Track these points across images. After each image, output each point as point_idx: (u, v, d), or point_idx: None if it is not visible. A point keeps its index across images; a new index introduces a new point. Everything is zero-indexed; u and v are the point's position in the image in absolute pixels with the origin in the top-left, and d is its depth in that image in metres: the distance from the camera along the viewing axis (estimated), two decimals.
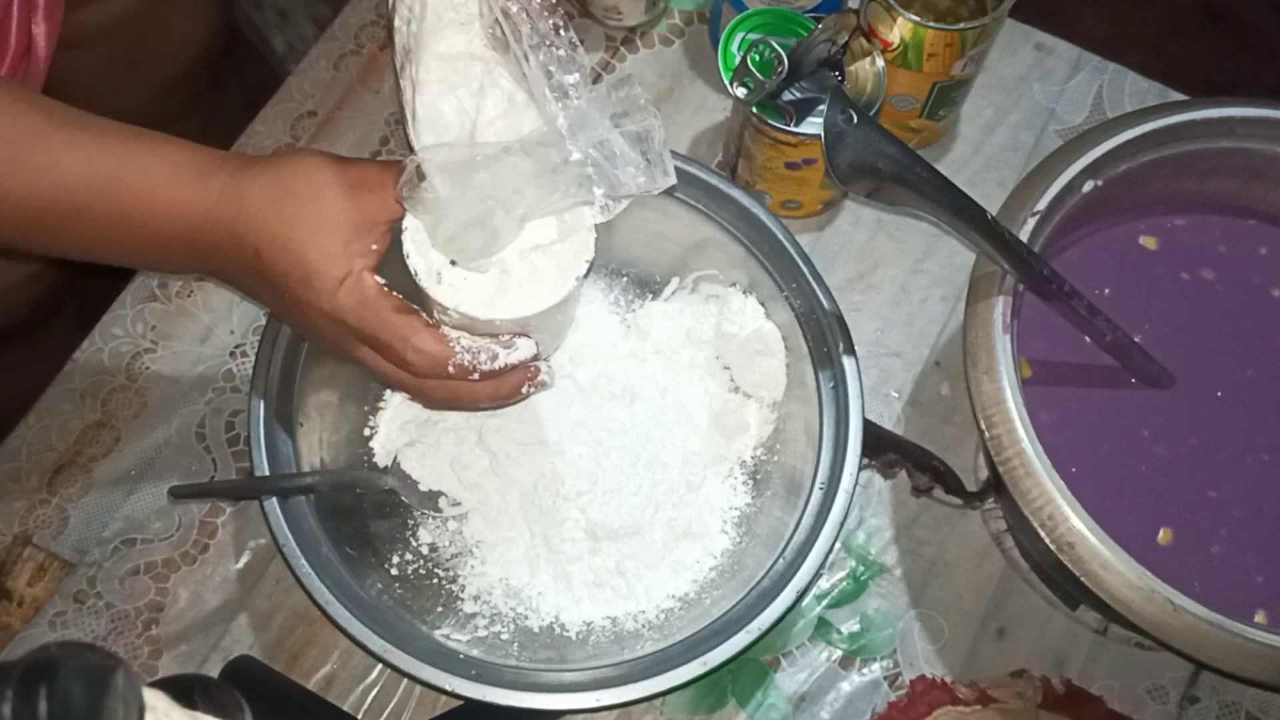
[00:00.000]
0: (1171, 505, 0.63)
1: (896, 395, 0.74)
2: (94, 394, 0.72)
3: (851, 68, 0.68)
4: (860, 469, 0.62)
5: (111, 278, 0.74)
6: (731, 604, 0.61)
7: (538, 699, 0.58)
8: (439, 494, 0.67)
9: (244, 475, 0.70)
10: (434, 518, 0.67)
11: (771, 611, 0.59)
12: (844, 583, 0.69)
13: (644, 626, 0.65)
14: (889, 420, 0.73)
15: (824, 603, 0.69)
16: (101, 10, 0.81)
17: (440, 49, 0.53)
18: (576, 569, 0.65)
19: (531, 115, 0.54)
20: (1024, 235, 0.61)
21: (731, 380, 0.70)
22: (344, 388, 0.68)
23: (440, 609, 0.65)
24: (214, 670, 0.66)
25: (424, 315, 0.54)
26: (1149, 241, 0.69)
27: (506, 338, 0.55)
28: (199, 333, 0.74)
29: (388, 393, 0.70)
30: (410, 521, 0.68)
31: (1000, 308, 0.60)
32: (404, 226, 0.54)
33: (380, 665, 0.66)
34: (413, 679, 0.61)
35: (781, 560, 0.61)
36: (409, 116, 0.54)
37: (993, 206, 0.60)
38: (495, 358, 0.55)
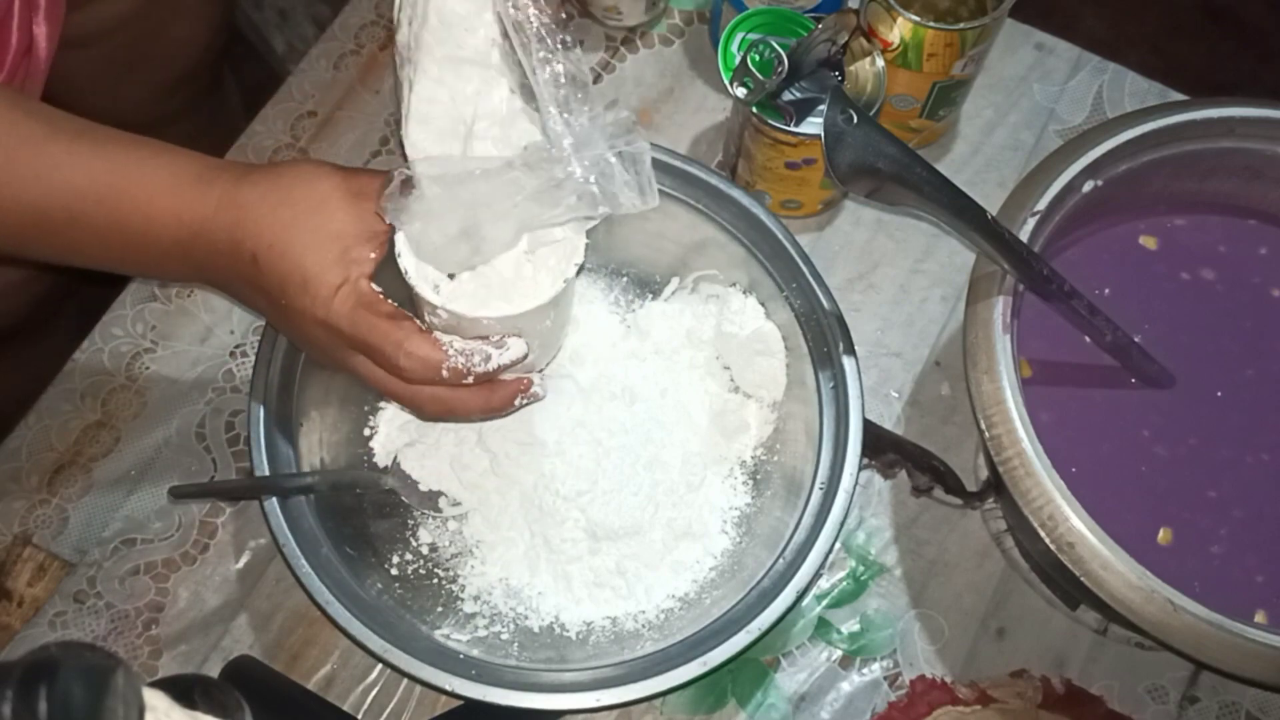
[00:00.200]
0: (1171, 505, 0.63)
1: (896, 395, 0.74)
2: (94, 394, 0.72)
3: (851, 68, 0.68)
4: (860, 469, 0.62)
5: (111, 279, 0.73)
6: (731, 604, 0.61)
7: (538, 699, 0.58)
8: (439, 494, 0.67)
9: (244, 475, 0.70)
10: (434, 518, 0.67)
11: (771, 611, 0.59)
12: (844, 583, 0.69)
13: (644, 626, 0.65)
14: (889, 420, 0.73)
15: (824, 603, 0.69)
16: (102, 10, 0.81)
17: (440, 52, 0.53)
18: (576, 569, 0.65)
19: (523, 124, 0.54)
20: (1024, 235, 0.61)
21: (731, 380, 0.70)
22: (344, 388, 0.68)
23: (440, 609, 0.65)
24: (214, 670, 0.66)
25: (417, 321, 0.54)
26: (1149, 241, 0.69)
27: (497, 339, 0.55)
28: (199, 333, 0.74)
29: None
30: (410, 521, 0.68)
31: (1000, 308, 0.60)
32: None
33: (380, 665, 0.66)
34: (413, 679, 0.61)
35: (781, 560, 0.61)
36: (403, 114, 0.54)
37: (993, 206, 0.60)
38: (488, 359, 0.54)
